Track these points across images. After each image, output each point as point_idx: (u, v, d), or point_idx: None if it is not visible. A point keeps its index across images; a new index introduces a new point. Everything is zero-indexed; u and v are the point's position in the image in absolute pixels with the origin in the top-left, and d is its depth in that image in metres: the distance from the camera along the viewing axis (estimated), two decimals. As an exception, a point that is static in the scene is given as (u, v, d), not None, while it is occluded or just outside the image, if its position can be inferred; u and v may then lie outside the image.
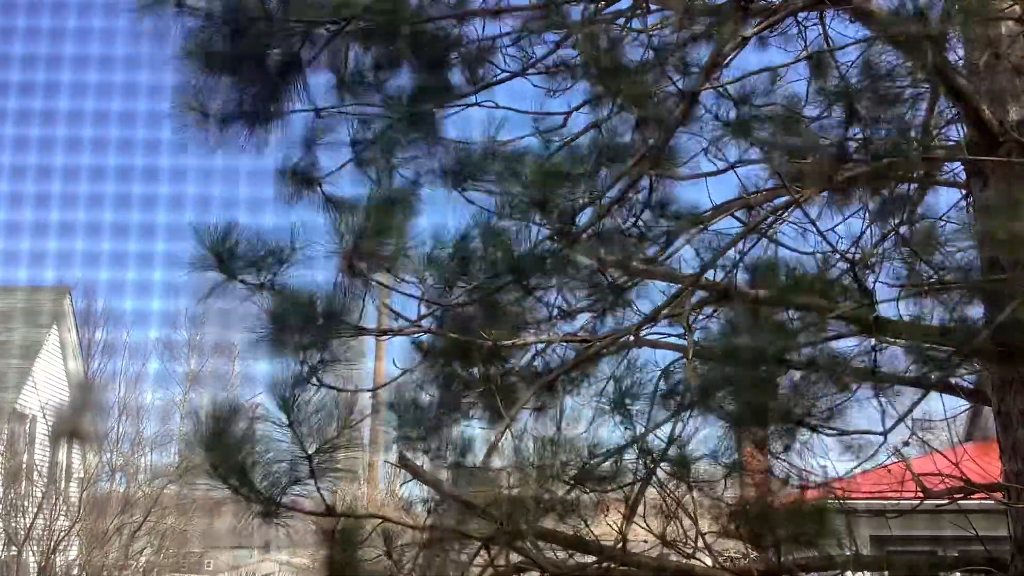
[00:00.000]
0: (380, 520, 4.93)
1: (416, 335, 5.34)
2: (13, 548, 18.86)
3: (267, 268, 4.98)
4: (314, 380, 4.94)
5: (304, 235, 5.05)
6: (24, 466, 20.63)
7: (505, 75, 5.92)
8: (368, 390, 5.56)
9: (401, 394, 5.50)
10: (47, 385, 22.50)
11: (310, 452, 4.64)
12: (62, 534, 19.51)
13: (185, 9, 5.30)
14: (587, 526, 5.01)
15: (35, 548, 19.16)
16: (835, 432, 5.01)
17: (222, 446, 4.63)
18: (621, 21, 5.75)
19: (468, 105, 5.88)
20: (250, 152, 5.58)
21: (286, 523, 4.85)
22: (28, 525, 19.04)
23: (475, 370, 5.38)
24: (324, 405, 4.75)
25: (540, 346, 5.59)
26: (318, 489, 4.69)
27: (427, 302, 5.22)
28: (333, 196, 5.65)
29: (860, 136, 5.39)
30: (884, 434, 4.95)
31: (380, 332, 5.35)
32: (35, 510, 19.41)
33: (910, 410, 5.12)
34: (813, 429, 5.01)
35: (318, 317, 5.01)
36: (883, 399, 4.97)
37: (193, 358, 27.41)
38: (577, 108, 5.94)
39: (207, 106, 5.45)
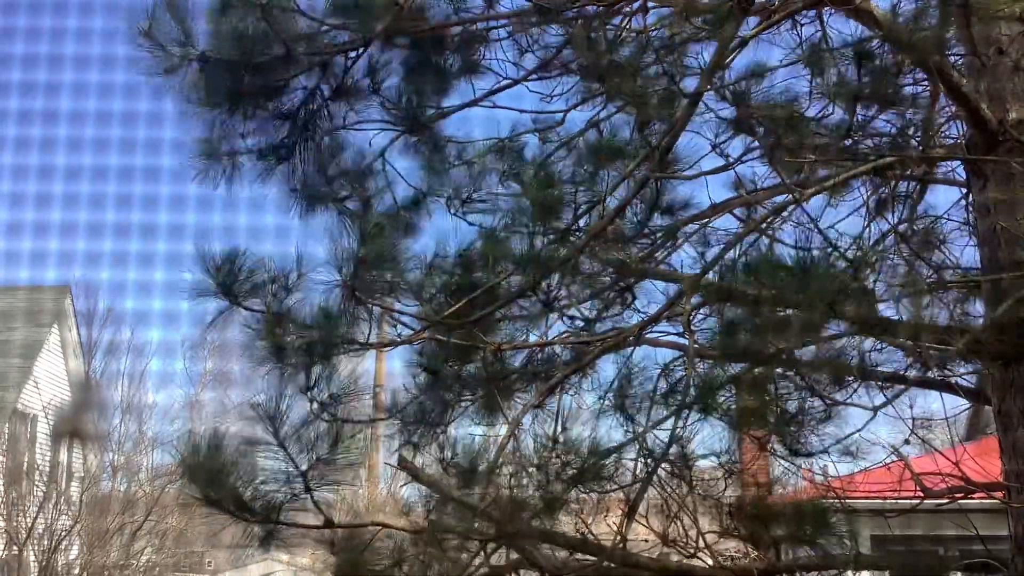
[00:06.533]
0: (380, 527, 4.93)
1: (418, 341, 5.32)
2: (14, 547, 18.84)
3: (272, 294, 5.00)
4: (315, 401, 4.93)
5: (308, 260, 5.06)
6: (25, 465, 20.61)
7: (506, 82, 5.92)
8: (369, 420, 5.52)
9: (402, 397, 5.50)
10: (48, 384, 22.48)
11: (303, 468, 4.63)
12: (63, 533, 19.48)
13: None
14: (587, 526, 5.00)
15: (36, 548, 19.13)
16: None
17: (214, 472, 4.60)
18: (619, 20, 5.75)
19: (467, 105, 5.90)
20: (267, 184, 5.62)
21: (287, 539, 4.86)
22: (29, 525, 19.01)
23: (476, 373, 5.36)
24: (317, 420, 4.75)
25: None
26: (315, 503, 4.66)
27: (425, 316, 5.19)
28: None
29: (860, 134, 5.38)
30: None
31: (382, 344, 5.33)
32: (36, 509, 19.39)
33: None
34: (812, 429, 5.00)
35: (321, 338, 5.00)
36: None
37: (211, 359, 27.31)
38: (575, 107, 5.94)
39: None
